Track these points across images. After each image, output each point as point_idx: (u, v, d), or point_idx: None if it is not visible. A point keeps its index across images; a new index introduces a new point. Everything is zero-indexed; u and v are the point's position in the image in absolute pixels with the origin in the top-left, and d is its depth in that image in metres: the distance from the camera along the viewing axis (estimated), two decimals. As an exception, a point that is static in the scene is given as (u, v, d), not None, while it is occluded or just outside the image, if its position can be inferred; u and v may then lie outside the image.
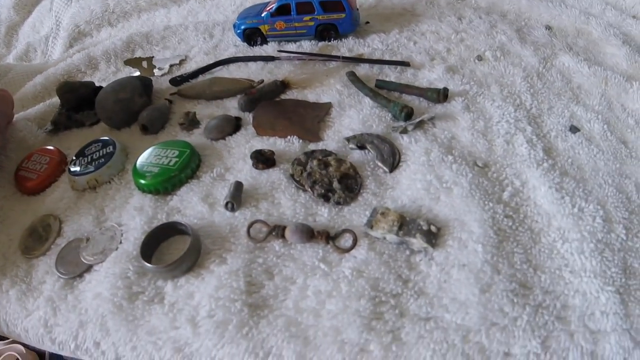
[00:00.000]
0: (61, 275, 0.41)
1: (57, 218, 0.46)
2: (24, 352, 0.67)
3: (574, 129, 0.46)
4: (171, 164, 0.45)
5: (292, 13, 0.59)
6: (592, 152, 0.44)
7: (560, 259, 0.35)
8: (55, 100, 0.66)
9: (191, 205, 0.43)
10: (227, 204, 0.41)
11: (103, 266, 0.40)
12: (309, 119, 0.48)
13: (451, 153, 0.43)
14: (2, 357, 0.67)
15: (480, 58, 0.54)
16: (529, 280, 0.35)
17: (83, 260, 0.41)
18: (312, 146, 0.46)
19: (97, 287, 0.38)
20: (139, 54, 0.67)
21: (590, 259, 0.35)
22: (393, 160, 0.42)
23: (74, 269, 0.41)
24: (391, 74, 0.53)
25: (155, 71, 0.62)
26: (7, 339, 0.72)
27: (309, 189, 0.40)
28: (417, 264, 0.36)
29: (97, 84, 0.61)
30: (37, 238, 0.45)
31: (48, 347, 0.38)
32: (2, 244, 0.45)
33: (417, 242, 0.36)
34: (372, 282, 0.35)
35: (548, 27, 0.58)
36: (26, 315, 0.39)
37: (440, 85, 0.50)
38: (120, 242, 0.42)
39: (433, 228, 0.37)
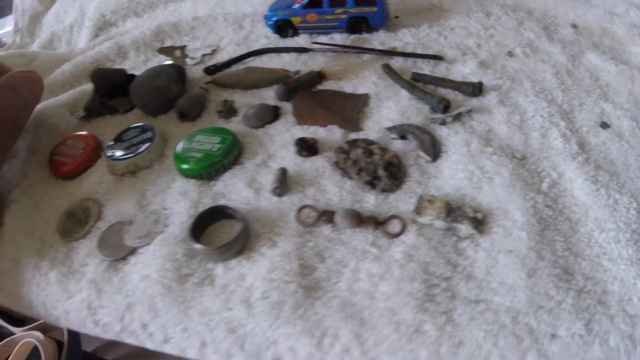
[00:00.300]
0: (105, 258, 0.41)
1: (97, 202, 0.47)
2: (43, 339, 0.67)
3: (604, 125, 0.48)
4: (214, 149, 0.46)
5: (324, 6, 0.60)
6: (622, 148, 0.45)
7: (598, 248, 0.37)
8: (86, 87, 0.66)
9: (236, 190, 0.44)
10: (275, 188, 0.42)
11: (149, 249, 0.40)
12: (348, 109, 0.49)
13: (490, 145, 0.44)
14: (20, 344, 0.67)
15: (511, 54, 0.55)
16: (570, 266, 0.36)
17: (127, 243, 0.41)
18: (352, 136, 0.47)
19: (145, 269, 0.39)
20: (168, 43, 0.67)
21: (626, 248, 0.36)
22: (435, 150, 0.43)
23: (117, 252, 0.41)
24: (425, 68, 0.54)
25: (187, 60, 0.62)
26: (25, 325, 0.72)
27: (355, 176, 0.41)
28: (465, 250, 0.37)
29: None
30: (76, 221, 0.45)
31: (90, 329, 0.38)
32: (38, 227, 0.45)
33: (465, 228, 0.37)
34: (423, 265, 0.36)
35: (574, 26, 0.60)
36: (67, 297, 0.39)
37: (473, 80, 0.51)
38: (166, 226, 0.42)
39: (479, 215, 0.38)
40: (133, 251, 0.41)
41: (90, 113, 0.60)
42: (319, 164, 0.44)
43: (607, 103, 0.50)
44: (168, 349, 0.36)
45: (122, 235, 0.42)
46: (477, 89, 0.49)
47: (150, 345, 0.37)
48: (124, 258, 0.41)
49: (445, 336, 0.33)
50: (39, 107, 0.64)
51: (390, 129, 0.45)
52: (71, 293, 0.39)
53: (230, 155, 0.46)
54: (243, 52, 0.60)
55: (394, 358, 0.32)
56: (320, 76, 0.53)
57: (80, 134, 0.55)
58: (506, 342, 0.32)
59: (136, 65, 0.67)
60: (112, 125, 0.57)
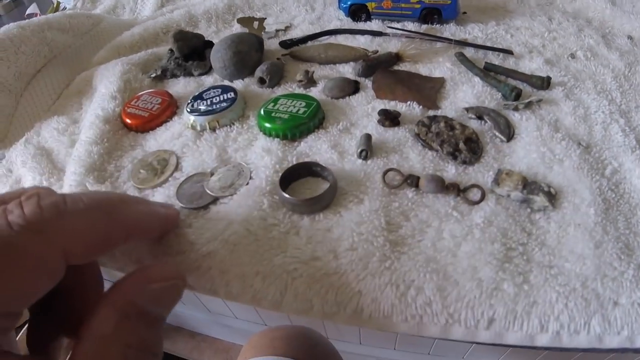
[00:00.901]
0: (184, 206, 0.42)
1: (174, 154, 0.49)
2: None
3: (659, 128, 0.51)
4: (300, 112, 0.49)
5: (400, -6, 0.64)
6: (676, 148, 0.49)
7: (655, 230, 0.41)
8: (157, 50, 0.69)
9: (320, 152, 0.47)
10: (361, 151, 0.45)
11: (234, 199, 0.42)
12: (426, 88, 0.52)
13: (559, 132, 0.48)
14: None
15: (573, 56, 0.59)
16: (630, 243, 0.39)
17: (209, 192, 0.43)
18: (431, 112, 0.50)
19: (228, 217, 0.40)
20: (240, 16, 0.70)
21: (680, 233, 0.40)
22: (509, 131, 0.47)
23: (198, 201, 0.42)
24: (494, 60, 0.58)
25: (262, 33, 0.65)
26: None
27: (438, 147, 0.45)
28: (538, 221, 0.41)
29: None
30: (152, 170, 0.47)
31: None
32: (110, 174, 0.47)
33: (540, 200, 0.41)
34: (502, 230, 0.39)
35: (630, 37, 0.64)
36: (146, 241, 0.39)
37: (541, 74, 0.55)
38: (251, 178, 0.45)
39: (552, 190, 0.42)
40: (214, 201, 0.42)
41: (164, 73, 0.63)
42: (400, 134, 0.47)
43: (661, 109, 0.54)
44: (247, 299, 0.37)
45: (202, 186, 0.44)
46: (545, 83, 0.53)
47: (223, 293, 0.38)
48: (205, 207, 0.42)
49: (522, 295, 0.35)
50: (110, 64, 0.67)
51: (468, 109, 0.49)
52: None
53: (315, 118, 0.49)
54: (316, 31, 0.64)
55: (472, 313, 0.35)
56: (397, 57, 0.56)
57: (156, 90, 0.58)
58: (575, 304, 0.35)
59: (207, 35, 0.70)
60: (186, 87, 0.60)
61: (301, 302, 0.36)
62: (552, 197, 0.41)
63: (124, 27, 0.77)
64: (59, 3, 0.97)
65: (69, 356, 0.22)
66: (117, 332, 0.23)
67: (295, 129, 0.48)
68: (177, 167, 0.48)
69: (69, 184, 0.46)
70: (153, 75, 0.63)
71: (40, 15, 1.07)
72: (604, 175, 0.44)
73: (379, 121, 0.49)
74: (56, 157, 0.52)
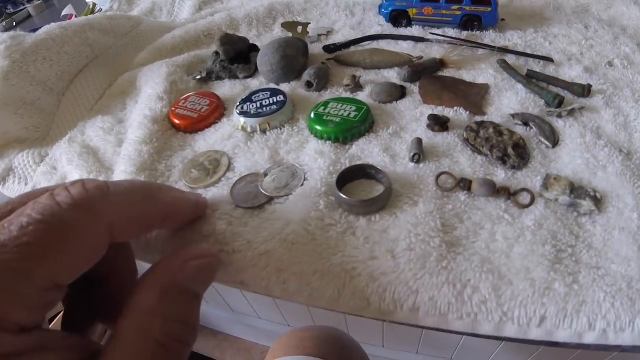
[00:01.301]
0: (239, 205, 0.44)
1: (226, 154, 0.52)
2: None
3: (694, 137, 0.53)
4: (351, 116, 0.51)
5: (441, 1, 0.65)
6: None
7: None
8: (200, 52, 0.71)
9: (372, 155, 0.49)
10: (414, 155, 0.47)
11: (290, 199, 0.44)
12: (472, 94, 0.54)
13: (601, 139, 0.50)
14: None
15: (610, 64, 0.61)
16: (670, 248, 0.41)
17: (265, 192, 0.45)
18: (478, 118, 0.52)
19: (285, 217, 0.42)
20: (280, 21, 0.72)
21: None
22: (554, 137, 0.49)
23: (253, 201, 0.44)
24: (535, 68, 0.60)
25: (306, 38, 0.67)
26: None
27: (488, 152, 0.47)
28: (584, 224, 0.43)
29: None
30: (203, 170, 0.49)
31: (219, 278, 0.39)
32: (161, 173, 0.49)
33: (587, 204, 0.43)
34: (552, 233, 0.41)
35: (664, 46, 0.66)
36: (201, 240, 0.41)
37: (581, 82, 0.56)
38: (306, 179, 0.46)
39: (598, 195, 0.44)
40: (270, 201, 0.44)
41: (210, 75, 0.65)
42: (450, 139, 0.50)
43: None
44: (304, 297, 0.38)
45: (257, 186, 0.46)
46: (586, 90, 0.55)
47: (278, 291, 0.38)
48: (260, 207, 0.43)
49: (572, 294, 0.37)
50: (155, 65, 0.69)
51: (514, 116, 0.51)
52: (204, 235, 0.41)
53: (366, 122, 0.51)
54: (358, 36, 0.66)
55: (525, 311, 0.37)
56: (441, 63, 0.58)
57: (204, 92, 0.60)
58: (622, 303, 0.37)
59: (248, 38, 0.72)
60: (232, 89, 0.62)
61: (359, 300, 0.37)
62: (598, 201, 0.43)
63: (164, 30, 0.79)
64: (94, 5, 0.99)
65: (110, 333, 0.25)
66: (160, 306, 0.25)
67: (347, 132, 0.51)
68: (229, 168, 0.49)
69: None
70: (198, 77, 0.65)
71: (75, 16, 1.10)
72: (645, 182, 0.47)
73: (428, 126, 0.51)
74: (103, 155, 0.54)
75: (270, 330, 1.19)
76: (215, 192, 0.47)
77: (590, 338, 0.38)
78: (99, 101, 0.68)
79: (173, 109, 0.58)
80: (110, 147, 0.54)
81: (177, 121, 0.56)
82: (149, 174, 0.49)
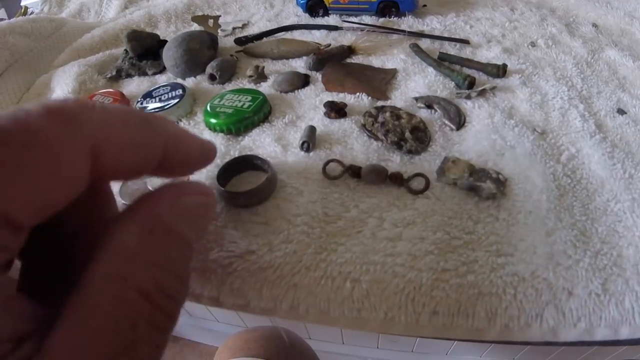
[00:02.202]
0: (125, 204, 0.40)
1: None
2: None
3: (621, 112, 0.49)
4: (245, 106, 0.48)
5: (356, -12, 0.62)
6: (638, 132, 0.47)
7: (614, 216, 0.38)
8: (115, 51, 0.68)
9: (263, 145, 0.45)
10: (303, 143, 0.43)
11: None
12: (377, 80, 0.50)
13: (512, 118, 0.46)
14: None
15: (533, 44, 0.57)
16: (587, 230, 0.37)
17: (151, 189, 0.42)
18: (380, 103, 0.48)
19: None
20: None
21: (641, 219, 0.37)
22: (459, 119, 0.45)
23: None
24: (451, 50, 0.56)
25: (219, 32, 0.64)
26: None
27: (383, 137, 0.43)
28: (486, 209, 0.38)
29: (160, 39, 0.63)
30: None
31: None
32: None
33: (487, 187, 0.38)
34: (446, 219, 0.37)
35: (594, 25, 0.62)
36: None
37: (497, 63, 0.53)
38: (192, 174, 0.43)
39: (501, 177, 0.39)
40: None
41: (119, 73, 0.62)
42: (346, 125, 0.46)
43: (624, 93, 0.51)
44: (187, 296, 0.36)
45: (145, 183, 0.42)
46: (501, 70, 0.51)
47: None
48: None
49: (465, 285, 0.33)
50: (67, 66, 0.66)
51: (417, 99, 0.47)
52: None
53: (260, 112, 0.48)
54: (274, 28, 0.63)
55: (412, 305, 0.33)
56: (350, 50, 0.55)
57: (108, 91, 0.57)
58: (525, 294, 0.33)
59: (166, 34, 0.69)
60: (140, 86, 0.59)
61: (238, 298, 0.35)
62: (501, 183, 0.39)
63: (87, 30, 0.77)
64: (26, 8, 0.96)
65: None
66: (143, 247, 0.18)
67: (239, 123, 0.47)
68: None
69: None
70: (109, 75, 0.62)
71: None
72: (560, 161, 0.42)
73: (325, 113, 0.47)
74: None
75: (230, 333, 1.15)
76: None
77: (491, 334, 0.33)
78: (16, 105, 0.65)
79: None
80: None
81: None
82: None
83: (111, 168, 0.19)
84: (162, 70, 0.61)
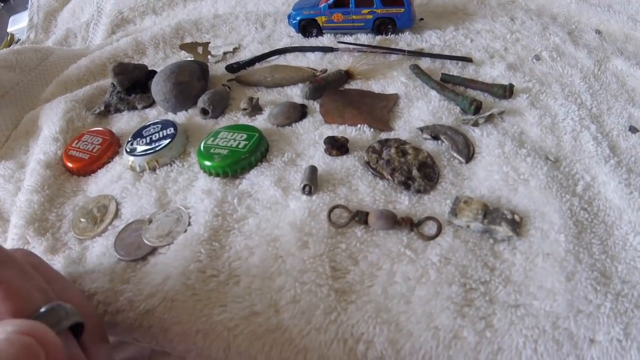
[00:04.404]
0: (121, 258, 0.39)
1: (114, 199, 0.46)
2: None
3: (633, 129, 0.47)
4: (240, 146, 0.45)
5: (350, 6, 0.60)
6: (652, 152, 0.45)
7: (633, 251, 0.36)
8: (103, 83, 0.65)
9: (262, 189, 0.43)
10: (304, 187, 0.41)
11: (171, 249, 0.39)
12: (378, 108, 0.48)
13: (524, 147, 0.44)
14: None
15: (537, 58, 0.55)
16: (607, 269, 0.35)
17: (147, 242, 0.40)
18: (383, 135, 0.46)
19: (166, 270, 0.37)
20: (188, 41, 0.66)
21: (660, 251, 0.36)
22: (468, 151, 0.43)
23: (136, 252, 0.39)
24: (453, 69, 0.54)
25: (209, 57, 0.61)
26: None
27: (389, 177, 0.41)
28: (502, 253, 0.36)
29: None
30: (92, 219, 0.44)
31: (107, 331, 0.35)
32: (51, 224, 0.44)
33: (503, 230, 0.36)
34: (461, 269, 0.35)
35: (598, 32, 0.60)
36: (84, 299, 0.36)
37: (503, 82, 0.50)
38: (189, 225, 0.41)
39: (517, 217, 0.37)
40: (152, 251, 0.39)
41: (108, 109, 0.59)
42: (349, 163, 0.43)
43: (635, 108, 0.50)
44: (193, 356, 0.34)
45: (140, 234, 0.41)
46: (507, 91, 0.48)
47: (169, 349, 0.35)
48: (143, 258, 0.39)
49: (484, 342, 0.31)
50: (54, 102, 0.63)
51: (422, 129, 0.45)
52: (86, 294, 0.37)
53: (257, 152, 0.45)
54: (266, 51, 0.60)
55: None
56: (347, 75, 0.52)
57: (97, 130, 0.54)
58: (546, 347, 0.31)
59: (155, 62, 0.67)
60: (129, 122, 0.57)
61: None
62: (517, 224, 0.37)
63: (74, 58, 0.74)
64: (12, 35, 0.93)
65: None
66: None
67: (235, 165, 0.44)
68: (116, 214, 0.45)
69: (11, 238, 0.43)
70: (97, 111, 0.59)
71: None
72: (576, 193, 0.40)
73: (325, 150, 0.44)
74: (2, 206, 0.49)
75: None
76: (102, 243, 0.41)
77: (511, 392, 0.32)
78: (5, 144, 0.62)
79: (67, 150, 0.52)
80: (9, 197, 0.49)
81: (69, 164, 0.51)
82: (38, 226, 0.44)
83: None
84: (152, 103, 0.58)
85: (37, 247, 0.41)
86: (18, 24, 0.93)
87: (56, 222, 0.44)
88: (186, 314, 0.35)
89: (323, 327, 0.33)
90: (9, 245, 0.42)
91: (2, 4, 1.23)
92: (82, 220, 0.44)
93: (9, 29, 0.96)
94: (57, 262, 0.39)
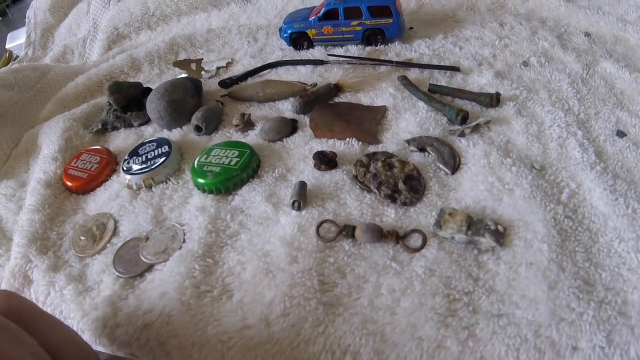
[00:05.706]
0: (120, 275, 0.41)
1: (112, 217, 0.47)
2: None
3: (621, 134, 0.47)
4: (232, 163, 0.47)
5: (340, 18, 0.61)
6: (639, 157, 0.45)
7: (618, 258, 0.37)
8: (100, 101, 0.67)
9: (254, 205, 0.44)
10: (294, 202, 0.42)
11: (167, 265, 0.40)
12: (367, 121, 0.49)
13: (509, 156, 0.44)
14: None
15: (526, 64, 0.55)
16: (591, 277, 0.36)
17: (144, 259, 0.41)
18: (371, 149, 0.47)
19: (162, 286, 0.39)
20: (182, 56, 0.68)
21: (646, 258, 0.36)
22: (454, 162, 0.44)
23: (134, 269, 0.41)
24: (442, 79, 0.54)
25: (203, 73, 0.63)
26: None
27: (376, 190, 0.42)
28: (486, 263, 0.37)
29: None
30: (91, 237, 0.46)
31: (106, 346, 0.37)
32: (53, 243, 0.46)
33: (487, 241, 0.37)
34: (445, 280, 0.36)
35: (587, 34, 0.60)
36: (83, 315, 0.38)
37: (491, 90, 0.51)
38: (184, 242, 0.42)
39: (500, 228, 0.38)
40: (150, 268, 0.41)
41: (105, 127, 0.61)
42: (338, 177, 0.44)
43: (623, 111, 0.50)
44: None
45: (138, 252, 0.42)
46: (495, 100, 0.49)
47: None
48: (141, 275, 0.41)
49: (467, 352, 0.32)
50: (53, 121, 0.65)
51: (409, 142, 0.46)
52: (86, 311, 0.38)
53: (248, 169, 0.46)
54: (258, 65, 0.61)
55: None
56: (337, 89, 0.53)
57: (95, 149, 0.56)
58: (528, 356, 0.32)
59: (151, 78, 0.68)
60: (126, 140, 0.58)
61: None
62: (500, 235, 0.38)
63: (72, 76, 0.76)
64: (11, 52, 0.95)
65: None
66: None
67: (227, 182, 0.46)
68: (115, 232, 0.46)
69: (14, 257, 0.45)
70: (94, 130, 0.61)
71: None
72: (560, 202, 0.41)
73: (315, 165, 0.45)
74: (5, 225, 0.50)
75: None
76: (101, 260, 0.43)
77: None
78: (6, 162, 0.64)
79: (66, 169, 0.54)
80: (11, 216, 0.51)
81: (69, 183, 0.52)
82: (40, 245, 0.45)
83: None
84: (147, 121, 0.60)
85: (40, 266, 0.43)
86: (16, 40, 0.95)
87: (57, 241, 0.46)
88: (182, 328, 0.36)
89: (312, 339, 0.34)
90: (12, 264, 0.44)
91: (0, 18, 1.25)
92: (82, 238, 0.46)
93: (8, 46, 0.98)
94: (60, 280, 0.41)
